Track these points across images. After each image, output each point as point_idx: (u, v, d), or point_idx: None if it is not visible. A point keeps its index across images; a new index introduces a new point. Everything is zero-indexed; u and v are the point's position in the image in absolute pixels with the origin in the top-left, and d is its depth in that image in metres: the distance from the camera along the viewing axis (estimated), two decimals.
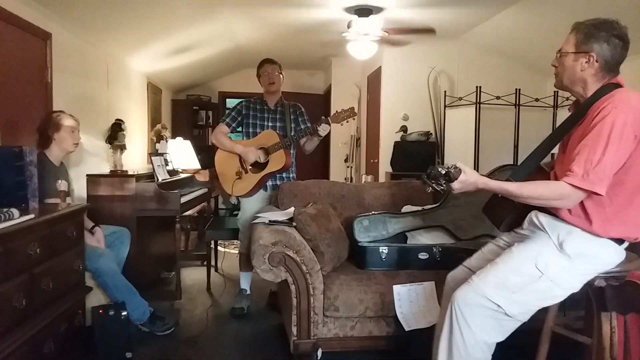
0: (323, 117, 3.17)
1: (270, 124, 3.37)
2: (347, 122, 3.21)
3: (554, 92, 5.08)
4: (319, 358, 2.31)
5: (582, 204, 1.73)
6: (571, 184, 1.65)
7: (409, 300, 2.53)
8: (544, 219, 1.85)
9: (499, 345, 1.93)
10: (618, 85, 1.77)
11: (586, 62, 1.76)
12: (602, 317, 1.65)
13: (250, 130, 3.37)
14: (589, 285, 1.76)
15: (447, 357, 1.86)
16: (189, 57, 5.83)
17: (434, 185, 1.71)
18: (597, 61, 1.75)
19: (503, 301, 1.78)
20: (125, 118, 4.46)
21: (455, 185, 1.72)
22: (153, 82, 6.05)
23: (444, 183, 1.69)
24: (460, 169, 1.70)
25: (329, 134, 3.36)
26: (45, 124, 2.86)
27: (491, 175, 3.03)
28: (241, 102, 3.46)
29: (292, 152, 3.39)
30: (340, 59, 6.92)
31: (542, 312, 1.89)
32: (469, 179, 1.72)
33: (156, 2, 3.87)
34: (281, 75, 3.39)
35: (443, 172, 1.69)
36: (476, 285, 1.83)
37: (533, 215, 1.90)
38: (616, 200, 1.72)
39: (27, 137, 2.90)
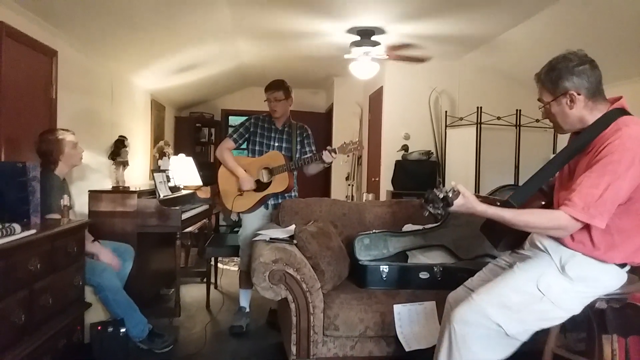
0: (329, 147, 3.17)
1: (276, 144, 3.39)
2: (353, 154, 3.24)
3: (516, 110, 5.11)
4: None
5: (588, 231, 1.72)
6: (570, 215, 1.65)
7: (409, 320, 2.52)
8: (546, 241, 1.85)
9: None
10: (623, 111, 1.75)
11: (570, 100, 1.75)
12: (603, 340, 1.64)
13: (257, 148, 3.39)
14: (590, 307, 1.75)
15: None
16: (193, 75, 5.89)
17: (430, 209, 1.70)
18: (579, 94, 1.74)
19: (503, 320, 1.77)
20: (128, 135, 4.49)
21: (453, 208, 1.72)
22: (157, 99, 6.11)
23: (442, 207, 1.69)
24: (458, 192, 1.69)
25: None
26: (46, 149, 2.84)
27: (492, 194, 3.04)
28: (249, 118, 3.47)
29: (294, 172, 3.40)
30: (342, 78, 6.99)
31: (543, 334, 1.88)
32: (466, 203, 1.72)
33: (162, 22, 3.93)
34: (288, 99, 3.38)
35: (441, 196, 1.68)
36: (476, 304, 1.82)
37: (535, 237, 1.90)
38: (623, 228, 1.71)
39: (30, 153, 2.92)
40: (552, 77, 1.77)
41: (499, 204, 1.83)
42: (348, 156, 3.27)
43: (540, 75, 1.83)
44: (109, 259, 2.88)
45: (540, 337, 1.87)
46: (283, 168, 3.23)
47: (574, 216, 1.64)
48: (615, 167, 1.62)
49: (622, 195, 1.64)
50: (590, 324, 1.80)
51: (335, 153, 3.13)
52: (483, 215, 1.76)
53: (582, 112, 1.77)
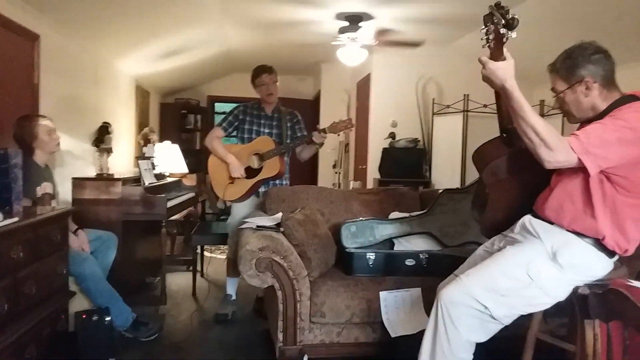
0: (318, 127, 3.18)
1: (266, 130, 3.36)
2: (344, 133, 3.21)
3: (540, 101, 5.13)
4: None
5: (591, 202, 1.73)
6: (570, 144, 1.63)
7: (395, 307, 2.54)
8: (538, 225, 1.87)
9: (485, 350, 1.95)
10: (636, 98, 1.77)
11: (585, 88, 1.77)
12: (585, 325, 1.66)
13: (246, 135, 3.36)
14: (573, 293, 1.78)
15: (431, 355, 1.87)
16: (179, 61, 5.82)
17: (495, 21, 1.56)
18: (594, 82, 1.76)
19: (490, 303, 1.79)
20: (112, 121, 4.43)
21: (493, 65, 1.62)
22: (141, 85, 6.02)
23: (503, 25, 1.55)
24: (507, 56, 1.62)
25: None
26: (21, 135, 2.79)
27: (475, 184, 3.05)
28: (238, 106, 3.44)
29: (286, 159, 3.39)
30: (330, 64, 6.95)
31: (526, 319, 1.91)
32: (508, 67, 1.63)
33: (147, 5, 3.86)
34: (277, 83, 3.38)
35: (510, 16, 1.54)
36: (464, 285, 1.83)
37: (526, 220, 1.92)
38: (620, 205, 1.73)
39: (12, 140, 2.86)
40: (568, 65, 1.78)
41: (505, 135, 1.89)
42: (339, 135, 3.25)
43: (555, 64, 1.83)
44: (76, 244, 2.84)
45: (523, 322, 1.90)
46: (273, 152, 3.21)
47: (572, 145, 1.63)
48: (627, 126, 1.63)
49: (622, 154, 1.65)
50: (572, 309, 1.83)
51: (325, 133, 3.13)
52: (510, 91, 1.63)
53: (596, 100, 1.78)
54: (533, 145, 1.64)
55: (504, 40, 1.58)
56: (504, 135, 1.92)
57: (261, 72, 3.35)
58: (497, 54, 1.63)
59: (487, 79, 1.67)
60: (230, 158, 3.27)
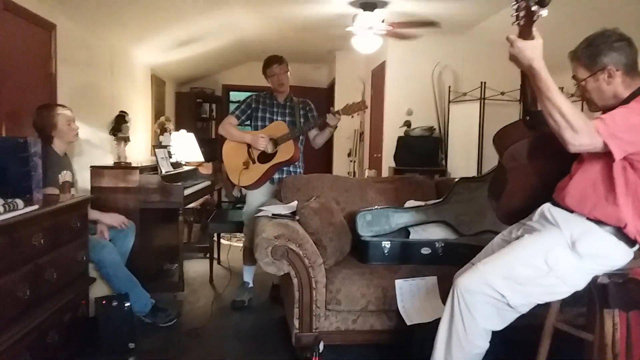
0: (332, 109, 3.18)
1: (279, 118, 3.36)
2: (357, 114, 3.21)
3: (560, 87, 5.04)
4: (320, 351, 2.31)
5: (613, 189, 1.71)
6: (596, 127, 1.60)
7: (410, 295, 2.54)
8: (557, 213, 1.84)
9: (502, 340, 1.94)
10: None
11: (607, 76, 1.74)
12: (604, 314, 1.64)
13: (259, 123, 3.37)
14: (592, 282, 1.76)
15: (447, 342, 1.87)
16: (194, 50, 5.83)
17: None
18: (617, 70, 1.73)
19: (508, 292, 1.78)
20: (129, 110, 4.46)
21: (521, 44, 1.58)
22: (157, 74, 6.05)
23: (535, 2, 1.51)
24: (536, 35, 1.58)
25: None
26: (40, 124, 2.83)
27: (492, 172, 3.02)
28: (251, 95, 3.45)
29: (300, 146, 3.39)
30: (344, 52, 6.91)
31: (543, 308, 1.89)
32: (537, 46, 1.59)
33: None
34: (289, 73, 3.38)
35: None
36: (481, 273, 1.82)
37: (545, 209, 1.89)
38: None
39: (31, 128, 2.90)
40: (591, 53, 1.75)
41: (528, 117, 1.86)
42: (352, 117, 3.23)
43: (576, 52, 1.80)
44: (112, 220, 2.95)
45: (539, 311, 1.89)
46: (288, 136, 3.21)
47: (598, 129, 1.59)
48: None
49: None
50: (591, 298, 1.81)
51: (339, 114, 3.13)
52: (537, 70, 1.60)
53: (619, 88, 1.75)
54: (558, 127, 1.60)
55: (535, 18, 1.54)
56: (527, 118, 1.89)
57: (272, 63, 3.35)
58: (526, 33, 1.58)
59: (514, 58, 1.63)
60: (248, 137, 3.28)
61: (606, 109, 1.81)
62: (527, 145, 1.93)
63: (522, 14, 1.56)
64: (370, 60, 6.74)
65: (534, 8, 1.51)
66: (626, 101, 1.72)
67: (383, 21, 4.64)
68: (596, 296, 1.73)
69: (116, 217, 3.02)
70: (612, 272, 1.74)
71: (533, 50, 1.58)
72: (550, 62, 1.67)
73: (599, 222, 1.77)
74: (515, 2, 1.56)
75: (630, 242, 1.77)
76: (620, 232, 1.75)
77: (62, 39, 3.40)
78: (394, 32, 4.88)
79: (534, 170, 1.97)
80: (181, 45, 5.42)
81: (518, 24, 1.58)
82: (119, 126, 4.11)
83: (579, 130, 1.58)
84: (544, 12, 1.52)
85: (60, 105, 2.93)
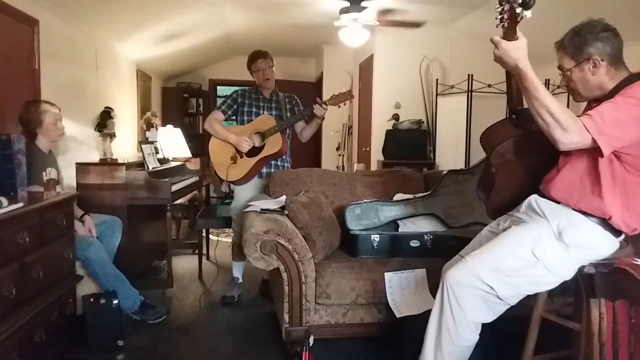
0: (318, 100, 3.18)
1: (266, 112, 3.35)
2: (344, 104, 3.21)
3: (546, 80, 5.08)
4: (310, 345, 2.32)
5: (599, 182, 1.72)
6: (584, 124, 1.60)
7: (400, 287, 2.55)
8: (544, 204, 1.86)
9: (490, 331, 1.96)
10: None
11: (592, 66, 1.75)
12: (591, 304, 1.66)
13: (245, 118, 3.35)
14: (579, 272, 1.78)
15: (437, 336, 1.88)
16: (179, 44, 5.77)
17: None
18: (602, 60, 1.74)
19: (496, 283, 1.79)
20: (114, 106, 4.41)
21: (506, 45, 1.58)
22: (142, 69, 5.99)
23: (519, 4, 1.51)
24: (520, 36, 1.59)
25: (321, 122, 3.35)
26: (26, 119, 2.79)
27: (480, 164, 3.04)
28: (237, 90, 3.43)
29: (287, 140, 3.38)
30: (332, 46, 6.89)
31: (531, 299, 1.91)
32: (520, 48, 1.59)
33: None
34: (274, 67, 3.36)
35: None
36: (470, 266, 1.83)
37: (532, 200, 1.91)
38: (630, 184, 1.73)
39: (15, 125, 2.86)
40: (576, 43, 1.76)
41: (514, 116, 1.87)
42: (339, 107, 3.23)
43: (562, 41, 1.81)
44: (85, 231, 2.87)
45: (527, 302, 1.90)
46: (275, 129, 3.20)
47: (586, 126, 1.60)
48: (639, 109, 1.61)
49: (636, 133, 1.63)
50: (578, 288, 1.83)
51: (326, 105, 3.13)
52: (524, 71, 1.60)
53: (604, 78, 1.76)
54: (547, 126, 1.61)
55: (519, 19, 1.55)
56: (513, 116, 1.90)
57: (257, 58, 3.33)
58: (510, 34, 1.59)
59: (499, 59, 1.64)
60: (232, 136, 3.26)
61: (591, 100, 1.83)
62: (514, 144, 1.95)
63: (506, 15, 1.57)
64: (358, 54, 6.73)
65: (518, 10, 1.53)
66: (611, 94, 1.74)
67: (371, 17, 4.63)
68: (583, 286, 1.75)
69: (82, 228, 2.88)
70: (599, 262, 1.76)
71: (518, 51, 1.59)
72: (537, 55, 1.68)
73: (584, 213, 1.79)
74: (499, 4, 1.57)
75: (616, 232, 1.80)
76: (606, 223, 1.77)
77: (45, 35, 3.34)
78: (385, 21, 4.88)
79: (521, 167, 1.98)
80: (167, 40, 5.37)
81: (502, 25, 1.59)
82: (104, 122, 4.05)
83: (568, 128, 1.59)
84: (528, 14, 1.53)
85: (48, 102, 2.89)
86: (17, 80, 3.12)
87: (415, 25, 4.86)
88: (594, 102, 1.84)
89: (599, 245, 1.80)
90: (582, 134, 1.60)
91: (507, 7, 1.55)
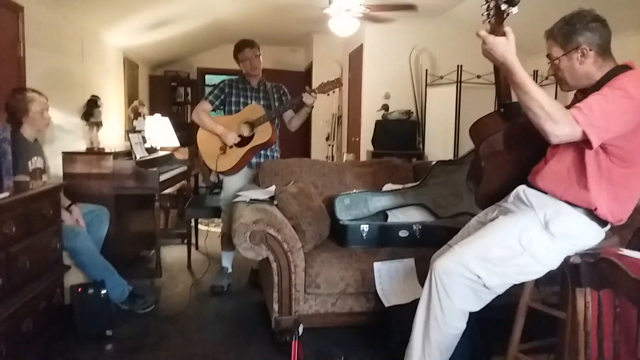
0: (307, 88, 3.17)
1: (254, 102, 3.32)
2: (333, 92, 3.20)
3: (534, 71, 5.11)
4: (300, 334, 2.33)
5: (584, 174, 1.74)
6: (574, 116, 1.62)
7: (389, 277, 2.57)
8: (531, 194, 1.88)
9: (477, 319, 1.98)
10: (630, 68, 1.76)
11: (580, 55, 1.76)
12: (576, 293, 1.68)
13: (233, 108, 3.33)
14: (565, 262, 1.80)
15: (425, 324, 1.90)
16: (167, 32, 5.70)
17: None
18: (590, 50, 1.75)
19: (483, 273, 1.81)
20: (101, 94, 4.36)
21: (492, 40, 1.59)
22: (129, 57, 5.91)
23: (504, 1, 1.54)
24: (507, 31, 1.59)
25: (311, 112, 3.33)
26: (12, 107, 2.75)
27: (469, 155, 3.06)
28: (224, 80, 3.40)
29: (277, 128, 3.36)
30: (321, 35, 6.85)
31: (518, 288, 1.93)
32: (508, 43, 1.60)
33: None
34: (261, 56, 3.34)
35: None
36: (458, 256, 1.85)
37: (520, 190, 1.92)
38: (616, 176, 1.74)
39: (0, 114, 2.81)
40: (565, 32, 1.77)
41: (502, 110, 1.89)
42: (328, 95, 3.22)
43: (552, 30, 1.82)
44: (72, 221, 2.84)
45: (514, 291, 1.93)
46: (264, 118, 3.18)
47: (576, 118, 1.62)
48: (625, 95, 1.62)
49: (623, 124, 1.64)
50: (564, 278, 1.85)
51: (315, 93, 3.12)
52: (511, 66, 1.62)
53: (591, 68, 1.77)
54: (538, 119, 1.62)
55: (505, 16, 1.55)
56: (502, 110, 1.91)
57: (243, 47, 3.30)
58: (497, 30, 1.60)
59: (487, 54, 1.65)
60: (220, 128, 3.23)
61: (578, 90, 1.84)
62: (503, 136, 1.96)
63: (492, 12, 1.57)
64: (347, 44, 6.70)
65: (503, 7, 1.54)
66: (598, 86, 1.75)
67: (360, 4, 4.60)
68: (568, 275, 1.77)
69: (70, 218, 2.87)
70: (584, 251, 1.78)
71: (505, 46, 1.61)
72: (525, 46, 1.69)
73: (571, 204, 1.81)
74: (485, 1, 1.57)
75: (602, 222, 1.82)
76: (592, 213, 1.80)
77: (30, 22, 3.28)
78: (370, 15, 4.85)
79: (510, 159, 2.00)
80: (154, 28, 5.29)
81: (489, 22, 1.60)
82: (91, 111, 4.01)
83: (559, 121, 1.61)
84: (514, 10, 1.53)
85: (36, 91, 2.84)
86: (2, 69, 3.06)
87: (408, 7, 4.73)
88: (580, 92, 1.86)
89: (585, 235, 1.82)
90: (572, 126, 1.62)
91: (492, 3, 1.56)
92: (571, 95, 1.97)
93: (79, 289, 2.61)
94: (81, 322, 2.57)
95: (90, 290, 2.61)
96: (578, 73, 1.80)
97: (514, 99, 1.74)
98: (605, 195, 1.76)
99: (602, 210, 1.77)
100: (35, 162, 2.80)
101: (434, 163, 3.16)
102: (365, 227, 2.79)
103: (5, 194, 2.02)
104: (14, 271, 2.05)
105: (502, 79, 1.78)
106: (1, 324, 1.93)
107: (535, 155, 1.93)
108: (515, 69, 1.62)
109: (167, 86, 7.50)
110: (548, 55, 1.85)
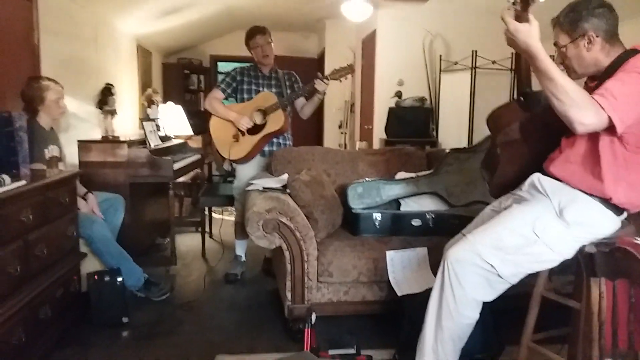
0: (319, 74, 3.15)
1: (265, 90, 3.32)
2: (345, 78, 3.18)
3: (550, 56, 5.01)
4: (313, 322, 2.34)
5: (599, 163, 1.71)
6: (600, 103, 1.58)
7: (401, 266, 2.56)
8: (546, 182, 1.85)
9: (490, 309, 1.97)
10: (638, 52, 1.72)
11: (588, 42, 1.73)
12: (591, 283, 1.67)
13: (245, 96, 3.32)
14: (580, 251, 1.78)
15: (437, 313, 1.90)
16: (179, 19, 5.70)
17: None
18: (597, 36, 1.72)
19: (497, 262, 1.80)
20: (115, 82, 4.38)
21: (514, 26, 1.57)
22: (143, 45, 5.92)
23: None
24: (530, 18, 1.57)
25: (323, 100, 3.32)
26: (28, 95, 2.78)
27: (482, 142, 3.03)
28: (235, 68, 3.40)
29: (289, 116, 3.35)
30: (334, 21, 6.78)
31: (532, 277, 1.92)
32: (532, 29, 1.57)
33: None
34: (272, 43, 3.32)
35: None
36: (471, 244, 1.84)
37: (535, 178, 1.90)
38: (632, 163, 1.71)
39: (15, 102, 2.84)
40: (572, 19, 1.74)
41: (522, 98, 1.86)
42: (340, 81, 3.20)
43: (559, 17, 1.79)
44: (88, 209, 2.88)
45: (528, 281, 1.91)
46: (276, 106, 3.17)
47: (600, 104, 1.58)
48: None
49: None
50: (579, 267, 1.84)
51: (327, 80, 3.10)
52: (535, 53, 1.59)
53: (599, 55, 1.74)
54: (563, 106, 1.58)
55: (531, 3, 1.52)
56: (522, 99, 1.88)
57: (255, 34, 3.28)
58: (522, 16, 1.57)
59: (510, 40, 1.62)
60: (233, 114, 3.24)
61: (587, 78, 1.81)
62: (520, 126, 1.93)
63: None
64: (360, 30, 6.63)
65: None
66: (607, 72, 1.71)
67: None
68: (583, 265, 1.75)
69: (86, 205, 2.92)
70: (599, 240, 1.76)
71: (528, 32, 1.57)
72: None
73: (586, 192, 1.78)
74: None
75: (618, 211, 1.79)
76: (608, 201, 1.77)
77: (44, 10, 3.30)
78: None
79: (527, 150, 1.97)
80: (167, 15, 5.29)
81: (515, 9, 1.57)
82: (105, 99, 4.04)
83: (585, 107, 1.57)
84: None
85: (52, 80, 2.86)
86: (16, 56, 3.09)
87: None
88: (590, 79, 1.82)
89: (600, 223, 1.79)
90: (598, 113, 1.58)
91: None
92: (581, 83, 1.93)
93: (95, 277, 2.65)
94: (97, 309, 2.62)
95: (107, 278, 2.65)
96: (586, 60, 1.76)
97: (534, 87, 1.71)
98: (623, 184, 1.73)
99: (618, 199, 1.74)
100: (51, 151, 2.83)
101: (447, 151, 3.14)
102: (378, 216, 2.78)
103: (22, 182, 2.05)
104: (31, 259, 2.09)
105: (523, 66, 1.75)
106: (19, 311, 1.97)
107: (552, 145, 1.90)
108: (540, 56, 1.59)
109: (180, 74, 7.51)
110: (555, 44, 1.82)
